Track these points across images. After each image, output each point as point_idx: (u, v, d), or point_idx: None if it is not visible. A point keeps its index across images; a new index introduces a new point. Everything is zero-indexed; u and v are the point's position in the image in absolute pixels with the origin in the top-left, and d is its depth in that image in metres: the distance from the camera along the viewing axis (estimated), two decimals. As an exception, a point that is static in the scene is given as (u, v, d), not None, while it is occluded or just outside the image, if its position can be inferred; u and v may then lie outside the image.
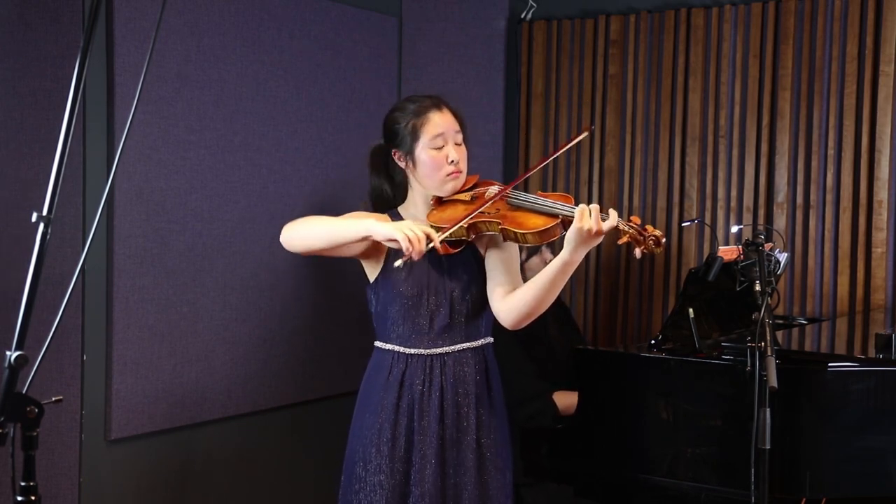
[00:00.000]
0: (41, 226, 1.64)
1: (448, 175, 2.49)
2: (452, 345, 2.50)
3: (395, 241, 2.31)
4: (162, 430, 3.14)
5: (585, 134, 2.57)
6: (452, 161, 2.49)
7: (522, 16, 4.11)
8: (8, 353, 1.59)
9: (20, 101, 2.79)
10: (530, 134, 4.11)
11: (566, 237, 2.28)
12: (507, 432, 2.60)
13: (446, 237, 2.37)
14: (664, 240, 2.27)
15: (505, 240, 2.43)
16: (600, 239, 2.28)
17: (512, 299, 2.41)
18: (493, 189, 2.47)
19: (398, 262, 2.32)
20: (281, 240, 2.54)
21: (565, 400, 3.32)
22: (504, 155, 4.10)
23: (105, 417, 2.98)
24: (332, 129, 3.65)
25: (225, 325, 3.29)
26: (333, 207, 3.57)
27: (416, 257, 2.29)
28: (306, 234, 2.50)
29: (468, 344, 2.52)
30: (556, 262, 2.30)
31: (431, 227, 2.44)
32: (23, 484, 1.62)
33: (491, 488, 2.50)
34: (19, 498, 1.62)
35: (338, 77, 3.67)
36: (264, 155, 3.40)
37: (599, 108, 3.97)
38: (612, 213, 2.27)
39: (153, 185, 3.06)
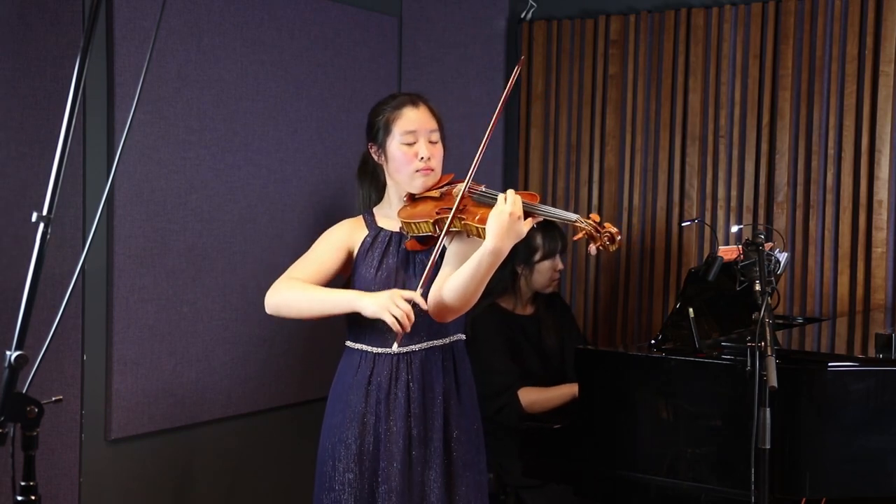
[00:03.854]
0: (41, 226, 1.64)
1: (417, 171, 2.50)
2: (418, 343, 2.51)
3: (382, 320, 2.33)
4: (162, 430, 3.14)
5: (518, 68, 2.57)
6: (422, 157, 2.50)
7: (522, 16, 4.11)
8: (8, 353, 1.59)
9: (20, 101, 2.79)
10: (530, 134, 4.11)
11: (487, 223, 2.30)
12: (479, 430, 2.60)
13: (426, 289, 2.37)
14: (619, 237, 2.30)
15: (468, 235, 2.44)
16: (521, 226, 2.30)
17: (439, 291, 2.40)
18: (461, 186, 2.48)
19: (394, 348, 2.38)
20: (267, 311, 2.56)
21: (531, 396, 3.33)
22: (504, 155, 4.11)
23: (105, 417, 2.99)
24: (332, 129, 3.65)
25: (225, 325, 3.29)
26: (333, 207, 3.59)
27: (408, 330, 2.32)
28: (293, 309, 2.53)
29: (435, 342, 2.52)
30: (479, 251, 2.31)
31: (403, 224, 2.48)
32: (23, 484, 1.62)
33: (460, 485, 2.50)
34: (19, 498, 1.62)
35: (338, 77, 3.68)
36: (264, 155, 3.40)
37: (599, 108, 3.97)
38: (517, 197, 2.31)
39: (153, 185, 3.06)
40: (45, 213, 1.64)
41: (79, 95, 1.68)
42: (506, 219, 2.27)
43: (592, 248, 2.31)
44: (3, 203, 2.77)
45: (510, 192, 2.32)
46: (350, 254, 2.59)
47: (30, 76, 2.79)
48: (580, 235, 2.31)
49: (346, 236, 2.60)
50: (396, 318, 2.29)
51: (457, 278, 2.36)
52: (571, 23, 4.02)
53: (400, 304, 2.30)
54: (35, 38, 2.80)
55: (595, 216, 2.32)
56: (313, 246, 2.62)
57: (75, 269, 1.80)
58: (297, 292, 2.50)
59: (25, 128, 2.79)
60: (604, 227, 2.29)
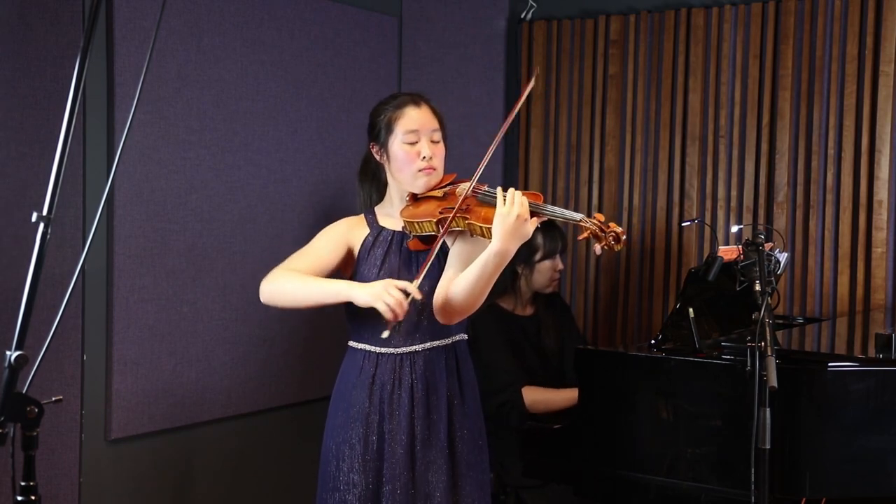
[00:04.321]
0: (41, 226, 1.64)
1: (420, 171, 2.50)
2: (422, 343, 2.51)
3: (374, 307, 2.31)
4: (162, 430, 3.14)
5: (531, 84, 2.55)
6: (424, 157, 2.49)
7: (522, 16, 4.11)
8: (8, 353, 1.59)
9: (20, 101, 2.79)
10: (530, 134, 4.11)
11: (493, 225, 2.29)
12: (482, 429, 2.59)
13: (421, 280, 2.36)
14: (624, 237, 2.29)
15: (472, 235, 2.43)
16: (528, 227, 2.29)
17: (445, 293, 2.40)
18: (464, 186, 2.47)
19: (385, 334, 2.32)
20: (261, 299, 2.55)
21: (535, 395, 3.33)
22: (504, 155, 4.10)
23: (105, 417, 2.99)
24: (332, 129, 3.65)
25: (225, 325, 3.29)
26: (333, 208, 3.59)
27: (401, 318, 2.30)
28: (287, 297, 2.52)
29: (437, 342, 2.52)
30: (485, 254, 2.31)
31: (405, 224, 2.48)
32: (23, 484, 1.62)
33: (464, 485, 2.50)
34: (19, 498, 1.62)
35: (338, 77, 3.68)
36: (264, 155, 3.40)
37: (599, 108, 3.97)
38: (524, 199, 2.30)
39: (153, 185, 3.06)
40: (45, 213, 1.64)
41: (79, 95, 1.68)
42: (512, 221, 2.27)
43: (597, 248, 2.30)
44: (3, 203, 2.77)
45: (515, 193, 2.31)
46: (349, 251, 2.58)
47: (30, 76, 2.79)
48: (585, 235, 2.31)
49: (346, 233, 2.60)
50: (390, 307, 2.28)
51: (463, 280, 2.35)
52: (571, 23, 4.02)
53: (393, 293, 2.29)
54: (35, 38, 2.80)
55: (600, 216, 2.31)
56: (313, 240, 2.61)
57: (75, 269, 1.80)
58: (293, 281, 2.49)
59: (25, 128, 2.79)
60: (609, 227, 2.28)
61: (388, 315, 2.28)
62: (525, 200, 2.29)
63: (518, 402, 3.31)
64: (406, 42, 4.01)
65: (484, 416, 2.65)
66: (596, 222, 2.29)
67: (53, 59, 2.80)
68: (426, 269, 2.37)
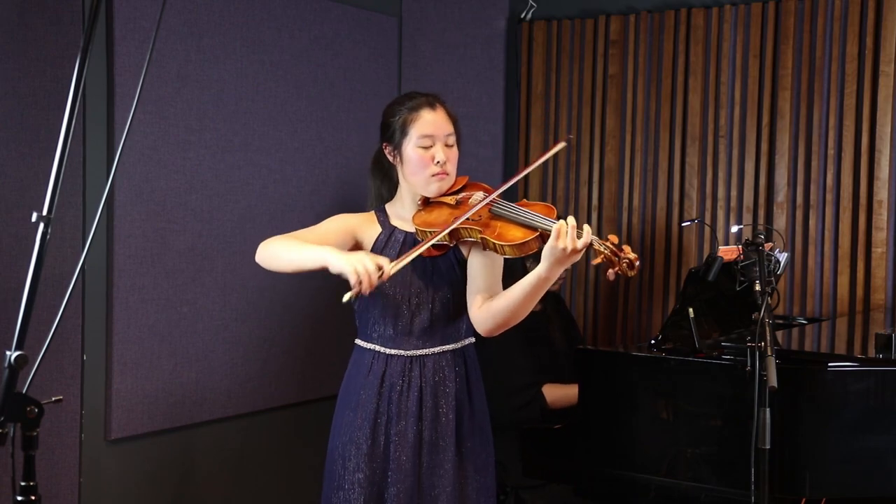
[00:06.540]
0: (41, 226, 1.63)
1: (433, 175, 2.47)
2: (432, 347, 2.50)
3: (345, 275, 2.28)
4: (162, 430, 3.14)
5: (563, 144, 2.52)
6: (438, 161, 2.47)
7: (522, 16, 4.11)
8: (8, 353, 1.59)
9: (20, 101, 2.79)
10: (530, 134, 4.11)
11: (543, 253, 2.26)
12: (488, 434, 2.59)
13: (400, 267, 2.33)
14: (638, 263, 2.24)
15: (484, 249, 2.42)
16: (578, 257, 2.25)
17: (486, 309, 2.40)
18: (479, 195, 2.44)
19: (346, 297, 2.27)
20: (256, 258, 2.51)
21: (555, 392, 3.33)
22: (504, 155, 4.11)
23: (105, 417, 2.99)
24: (332, 129, 3.65)
25: (225, 325, 3.29)
26: (333, 208, 3.59)
27: (366, 292, 2.26)
28: (274, 260, 2.48)
29: (447, 346, 2.51)
30: (532, 277, 2.29)
31: (418, 231, 2.46)
32: (23, 484, 1.62)
33: (470, 489, 2.49)
34: (19, 498, 1.62)
35: (338, 77, 3.68)
36: (264, 155, 3.40)
37: (599, 108, 3.97)
38: (587, 230, 2.23)
39: (153, 185, 3.06)
40: (45, 213, 1.64)
41: (79, 95, 1.67)
42: (560, 253, 2.22)
43: (611, 274, 2.24)
44: (3, 203, 2.78)
45: (579, 229, 2.23)
46: (356, 244, 2.55)
47: (30, 76, 2.80)
48: (598, 260, 2.24)
49: (356, 226, 2.56)
50: (359, 275, 2.23)
51: (505, 301, 2.35)
52: (571, 23, 4.02)
53: (368, 266, 2.25)
54: (35, 38, 2.80)
55: (613, 237, 2.25)
56: (322, 222, 2.58)
57: (75, 269, 1.80)
58: (286, 244, 2.46)
59: (25, 128, 2.79)
60: (622, 252, 2.23)
61: (353, 280, 2.24)
62: (586, 239, 2.22)
63: (540, 402, 3.31)
64: (406, 42, 4.02)
65: (499, 416, 2.63)
66: (610, 246, 2.24)
67: (53, 59, 2.80)
68: (409, 259, 2.34)
